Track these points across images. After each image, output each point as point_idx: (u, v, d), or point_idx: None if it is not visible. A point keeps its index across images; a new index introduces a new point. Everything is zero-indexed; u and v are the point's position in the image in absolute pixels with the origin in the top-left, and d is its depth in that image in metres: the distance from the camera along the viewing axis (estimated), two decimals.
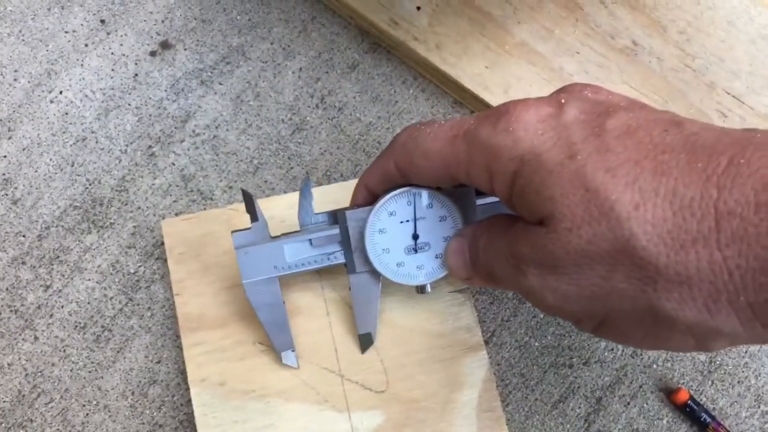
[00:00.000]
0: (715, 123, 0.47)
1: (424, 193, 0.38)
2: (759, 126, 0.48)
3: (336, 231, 0.40)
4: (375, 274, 0.40)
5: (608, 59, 0.49)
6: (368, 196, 0.40)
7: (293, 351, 0.42)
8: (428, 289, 0.41)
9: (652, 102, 0.48)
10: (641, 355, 0.46)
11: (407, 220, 0.39)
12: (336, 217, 0.40)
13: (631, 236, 0.27)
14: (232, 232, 0.40)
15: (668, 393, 0.45)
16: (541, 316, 0.46)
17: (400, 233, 0.39)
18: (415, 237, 0.39)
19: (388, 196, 0.38)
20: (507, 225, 0.34)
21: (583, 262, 0.29)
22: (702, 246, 0.26)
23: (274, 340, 0.41)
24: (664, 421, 0.45)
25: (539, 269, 0.31)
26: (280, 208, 0.45)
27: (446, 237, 0.39)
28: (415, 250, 0.40)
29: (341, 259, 0.40)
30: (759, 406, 0.45)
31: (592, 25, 0.50)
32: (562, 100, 0.31)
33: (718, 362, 0.46)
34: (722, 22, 0.50)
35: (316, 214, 0.40)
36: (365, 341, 0.43)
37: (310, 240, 0.40)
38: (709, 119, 0.48)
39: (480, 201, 0.39)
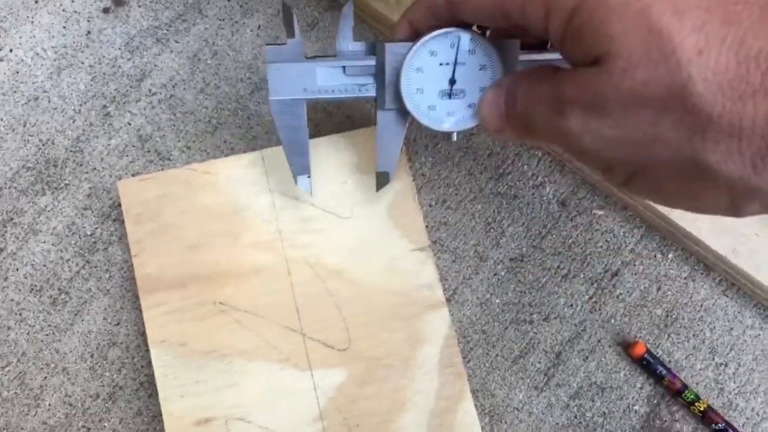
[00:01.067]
0: None
1: (469, 37, 0.37)
2: None
3: (372, 62, 0.39)
4: (404, 113, 0.39)
5: None
6: (410, 32, 0.38)
7: (308, 176, 0.41)
8: (454, 137, 0.40)
9: None
10: (600, 310, 0.46)
11: (447, 63, 0.38)
12: (374, 48, 0.38)
13: (688, 81, 0.26)
14: (267, 44, 0.38)
15: (625, 347, 0.46)
16: (503, 273, 0.46)
17: (437, 75, 0.38)
18: (452, 82, 0.38)
19: (431, 35, 0.37)
20: (551, 73, 0.32)
21: (633, 104, 0.28)
22: (762, 98, 0.25)
23: (292, 162, 0.41)
24: (622, 374, 0.46)
25: (583, 110, 0.29)
26: (240, 168, 0.44)
27: (483, 87, 0.38)
28: (449, 96, 0.38)
29: (372, 93, 0.39)
30: (713, 359, 0.46)
31: None
32: None
33: (674, 316, 0.46)
34: None
35: (354, 42, 0.39)
36: (382, 179, 0.42)
37: (344, 67, 0.39)
38: None
39: (524, 57, 0.38)
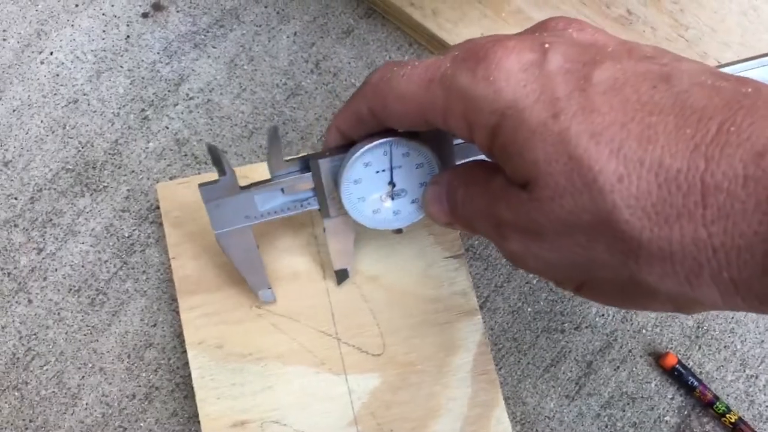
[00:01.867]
0: None
1: (401, 143, 0.37)
2: None
3: (308, 177, 0.38)
4: (350, 217, 0.39)
5: (603, 27, 0.49)
6: (341, 139, 0.38)
7: (269, 288, 0.42)
8: (403, 230, 0.40)
9: None
10: (631, 320, 0.46)
11: (383, 170, 0.38)
12: (307, 164, 0.38)
13: (613, 209, 0.26)
14: (199, 185, 0.38)
15: (657, 357, 0.46)
16: (534, 281, 0.47)
17: (376, 182, 0.38)
18: (392, 185, 0.38)
19: (363, 149, 0.36)
20: (485, 178, 0.32)
21: (565, 231, 0.28)
22: (687, 221, 0.25)
23: (250, 281, 0.41)
24: (653, 385, 0.46)
25: (521, 235, 0.30)
26: None
27: (423, 183, 0.38)
28: (392, 197, 0.39)
29: (315, 205, 0.39)
30: (744, 370, 0.46)
31: None
32: (546, 45, 0.29)
33: (705, 328, 0.47)
34: None
35: (286, 160, 0.39)
36: (341, 276, 0.43)
37: (281, 188, 0.39)
38: None
39: (458, 141, 0.38)
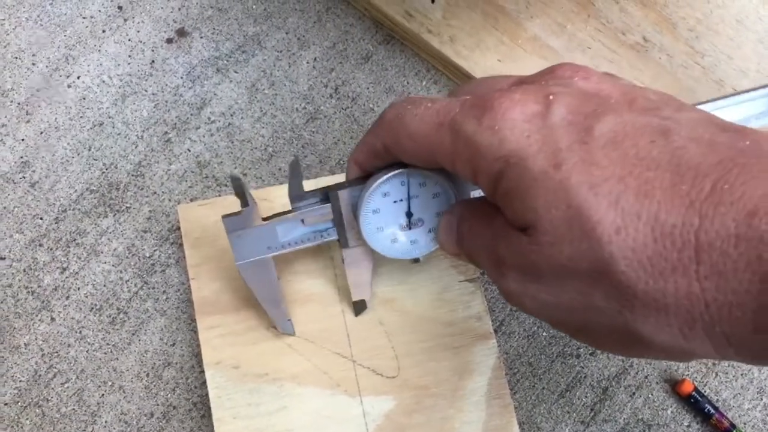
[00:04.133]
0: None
1: (417, 173, 0.38)
2: None
3: (328, 208, 0.40)
4: (368, 247, 0.40)
5: (619, 55, 0.50)
6: (359, 172, 0.39)
7: (289, 320, 0.43)
8: (421, 259, 0.41)
9: None
10: None
11: (401, 200, 0.39)
12: (327, 196, 0.40)
13: (611, 259, 0.27)
14: (223, 217, 0.39)
15: (673, 384, 0.46)
16: None
17: (394, 212, 0.39)
18: (409, 215, 0.39)
19: (381, 179, 0.38)
20: (490, 215, 0.33)
21: (564, 276, 0.29)
22: (681, 275, 0.26)
23: (271, 313, 0.42)
24: (669, 412, 0.46)
25: (520, 275, 0.31)
26: None
27: (439, 213, 0.39)
28: (409, 227, 0.40)
29: (334, 236, 0.41)
30: (761, 399, 0.46)
31: (604, 21, 0.51)
32: (551, 96, 0.30)
33: None
34: (731, 21, 0.51)
35: (306, 192, 0.40)
36: (359, 307, 0.44)
37: (302, 219, 0.40)
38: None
39: None
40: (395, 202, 0.39)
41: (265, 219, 0.40)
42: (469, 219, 0.36)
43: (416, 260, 0.42)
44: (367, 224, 0.39)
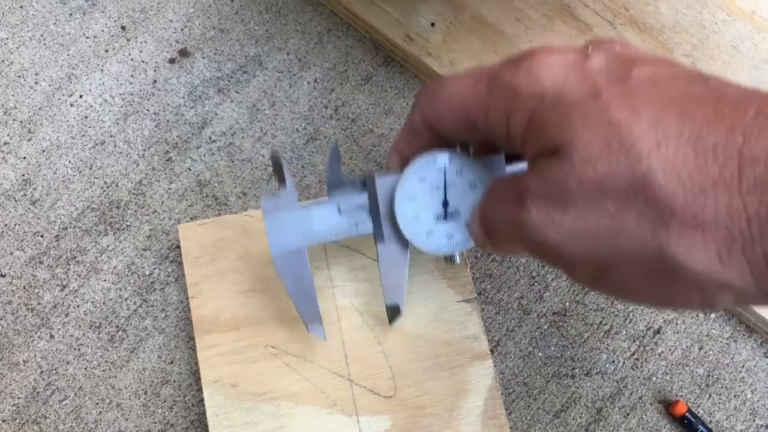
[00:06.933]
0: None
1: (454, 157, 0.38)
2: None
3: (365, 197, 0.40)
4: (403, 243, 0.40)
5: None
6: (400, 161, 0.39)
7: (320, 323, 0.41)
8: (457, 259, 0.41)
9: None
10: (641, 367, 0.47)
11: (437, 187, 0.39)
12: (365, 182, 0.39)
13: (649, 173, 0.26)
14: (262, 196, 0.39)
15: (667, 405, 0.46)
16: (545, 326, 0.47)
17: (430, 200, 0.39)
18: (446, 204, 0.39)
19: (418, 162, 0.38)
20: (513, 178, 0.33)
21: (596, 196, 0.28)
22: (722, 191, 0.25)
23: (302, 311, 0.41)
24: None
25: (545, 202, 0.29)
26: None
27: (474, 207, 0.38)
28: (445, 218, 0.39)
29: (369, 229, 0.40)
30: (754, 420, 0.47)
31: None
32: (589, 50, 0.30)
33: (715, 376, 0.47)
34: (727, 47, 0.52)
35: (344, 180, 0.40)
36: (393, 312, 0.42)
37: (338, 207, 0.40)
38: None
39: (510, 169, 0.39)
40: (432, 189, 0.39)
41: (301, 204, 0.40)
42: (492, 189, 0.36)
43: (452, 260, 0.41)
44: (403, 212, 0.39)
